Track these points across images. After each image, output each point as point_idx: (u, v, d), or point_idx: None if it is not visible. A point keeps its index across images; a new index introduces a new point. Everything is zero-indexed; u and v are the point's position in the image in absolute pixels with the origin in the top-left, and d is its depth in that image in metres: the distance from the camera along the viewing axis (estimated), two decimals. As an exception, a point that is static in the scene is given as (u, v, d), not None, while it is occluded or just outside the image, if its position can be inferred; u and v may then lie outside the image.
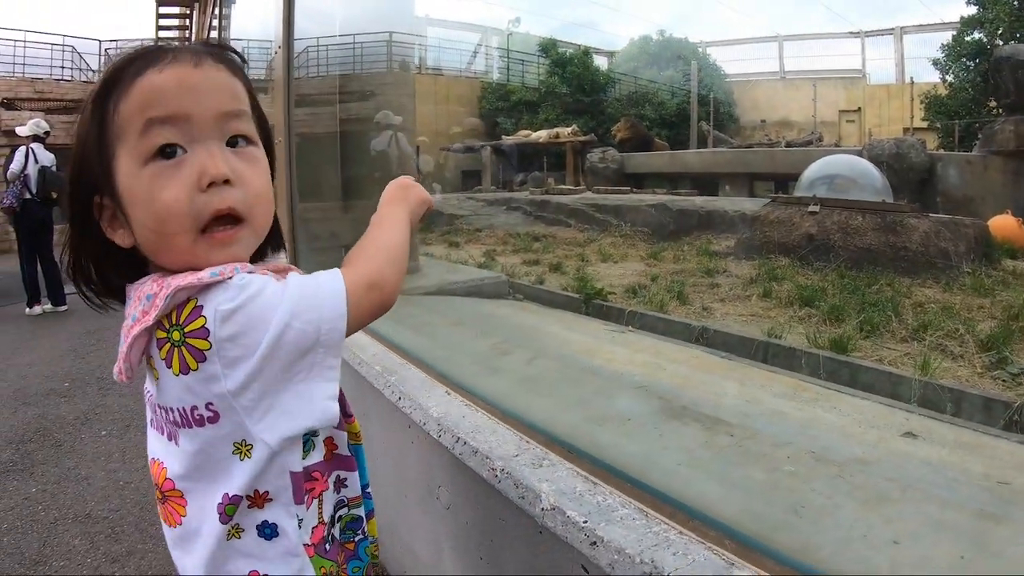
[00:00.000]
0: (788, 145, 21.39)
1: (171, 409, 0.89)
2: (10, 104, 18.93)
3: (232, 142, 0.94)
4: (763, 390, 2.96)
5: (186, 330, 0.84)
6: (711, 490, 1.67)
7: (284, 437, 0.89)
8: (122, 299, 0.99)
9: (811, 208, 8.24)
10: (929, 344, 4.66)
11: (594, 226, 11.37)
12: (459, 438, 1.70)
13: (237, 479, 0.89)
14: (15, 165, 7.75)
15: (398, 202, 1.22)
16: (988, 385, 4.03)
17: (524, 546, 1.47)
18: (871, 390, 3.70)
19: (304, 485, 0.96)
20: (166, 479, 0.95)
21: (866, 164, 9.24)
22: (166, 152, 0.89)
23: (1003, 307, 5.66)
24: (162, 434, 0.96)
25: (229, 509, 0.90)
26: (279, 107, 3.44)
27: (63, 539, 2.81)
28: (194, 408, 0.87)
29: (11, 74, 20.81)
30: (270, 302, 0.86)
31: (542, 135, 22.81)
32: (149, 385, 0.95)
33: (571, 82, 28.87)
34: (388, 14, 5.41)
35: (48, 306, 8.21)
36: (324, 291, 0.92)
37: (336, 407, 0.93)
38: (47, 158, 8.02)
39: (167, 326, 0.85)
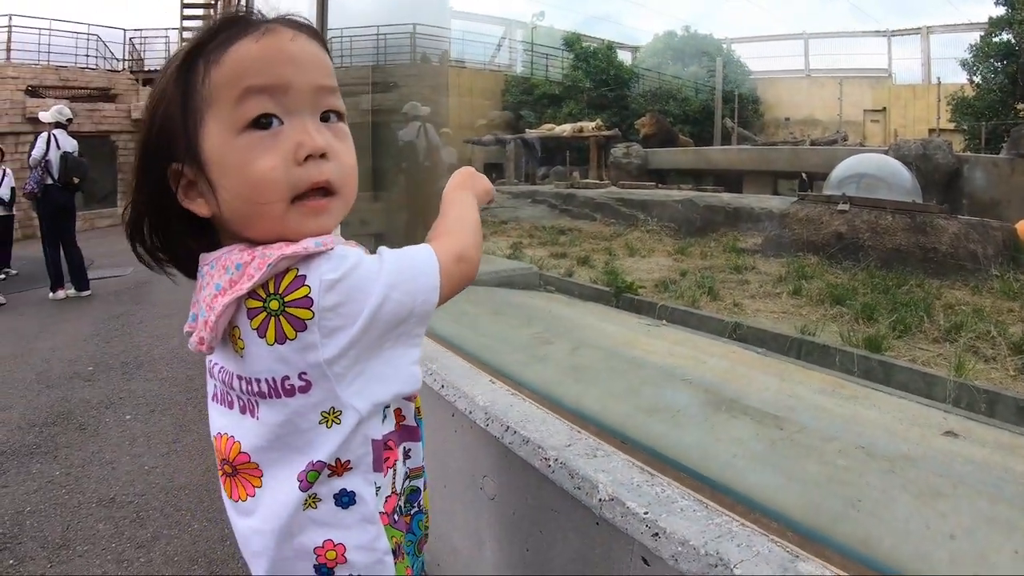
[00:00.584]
0: (813, 144, 21.27)
1: (257, 380, 0.88)
2: (35, 92, 19.09)
3: (325, 116, 0.95)
4: (803, 386, 3.01)
5: (286, 299, 0.83)
6: (768, 482, 1.69)
7: (375, 403, 0.92)
8: (182, 267, 1.02)
9: (840, 206, 8.23)
10: (962, 346, 4.67)
11: (620, 220, 11.38)
12: (508, 427, 1.68)
13: (323, 448, 0.90)
14: (37, 151, 7.80)
15: (467, 187, 1.26)
16: (1021, 388, 4.04)
17: (578, 537, 1.45)
18: (907, 389, 3.74)
19: (383, 454, 0.98)
20: (240, 453, 0.94)
21: (896, 164, 9.20)
22: (261, 123, 0.88)
23: (1033, 311, 5.65)
24: (231, 408, 0.96)
25: (311, 476, 0.90)
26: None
27: (87, 523, 2.79)
28: (285, 378, 0.87)
29: (36, 62, 20.95)
30: (369, 274, 0.87)
31: (566, 129, 22.79)
32: (220, 358, 0.95)
33: (595, 76, 28.78)
34: (419, 5, 5.44)
35: (72, 291, 8.24)
36: (419, 264, 0.94)
37: (420, 373, 0.95)
38: (70, 144, 8.07)
39: (263, 296, 0.84)
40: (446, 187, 1.26)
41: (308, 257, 0.85)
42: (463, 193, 1.23)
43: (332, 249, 0.87)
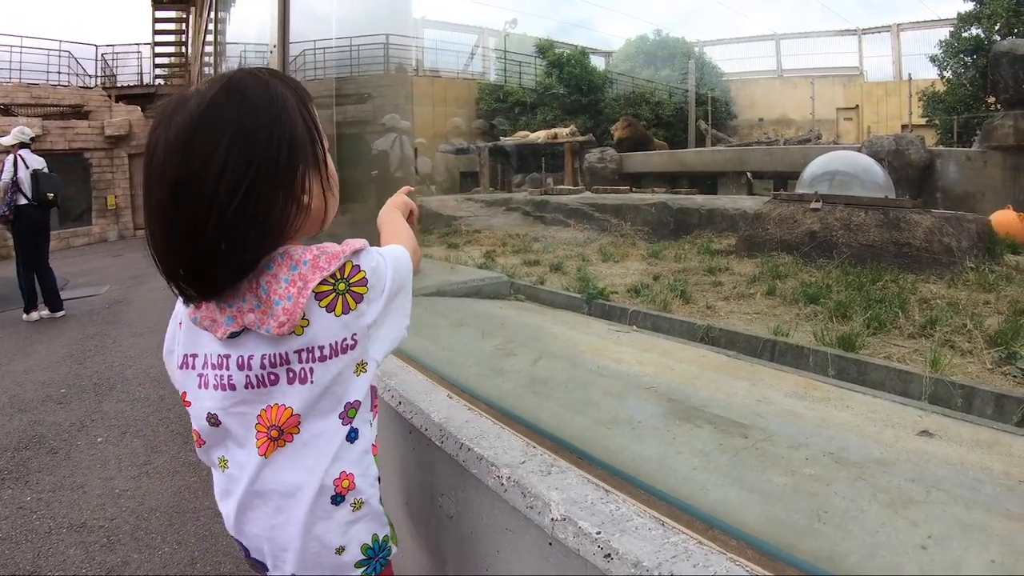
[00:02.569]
0: (787, 143, 21.34)
1: (320, 347, 1.18)
2: (6, 110, 18.91)
3: None
4: (773, 389, 2.91)
5: (351, 281, 1.19)
6: (729, 496, 1.61)
7: (384, 353, 1.30)
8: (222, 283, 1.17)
9: (813, 205, 8.19)
10: (937, 340, 4.60)
11: (594, 226, 11.31)
12: (462, 444, 1.65)
13: (356, 391, 1.25)
14: (5, 174, 7.65)
15: (397, 206, 1.73)
16: (999, 381, 3.96)
17: (533, 558, 1.41)
18: (881, 388, 3.65)
19: (375, 399, 1.34)
20: (291, 416, 1.20)
21: (868, 160, 9.18)
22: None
23: (1009, 302, 5.59)
24: (276, 383, 1.19)
25: (351, 412, 1.25)
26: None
27: (58, 549, 2.75)
28: (343, 340, 1.20)
29: (7, 80, 20.82)
30: (384, 262, 1.27)
31: (540, 136, 22.76)
32: (265, 347, 1.18)
33: (568, 82, 28.81)
34: (385, 16, 5.37)
35: (45, 312, 8.14)
36: (400, 256, 1.34)
37: (406, 331, 1.33)
38: (37, 162, 7.94)
39: (332, 281, 1.17)
40: (381, 211, 1.69)
41: (356, 252, 1.22)
42: (394, 211, 1.69)
43: (366, 248, 1.24)
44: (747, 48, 34.71)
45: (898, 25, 29.15)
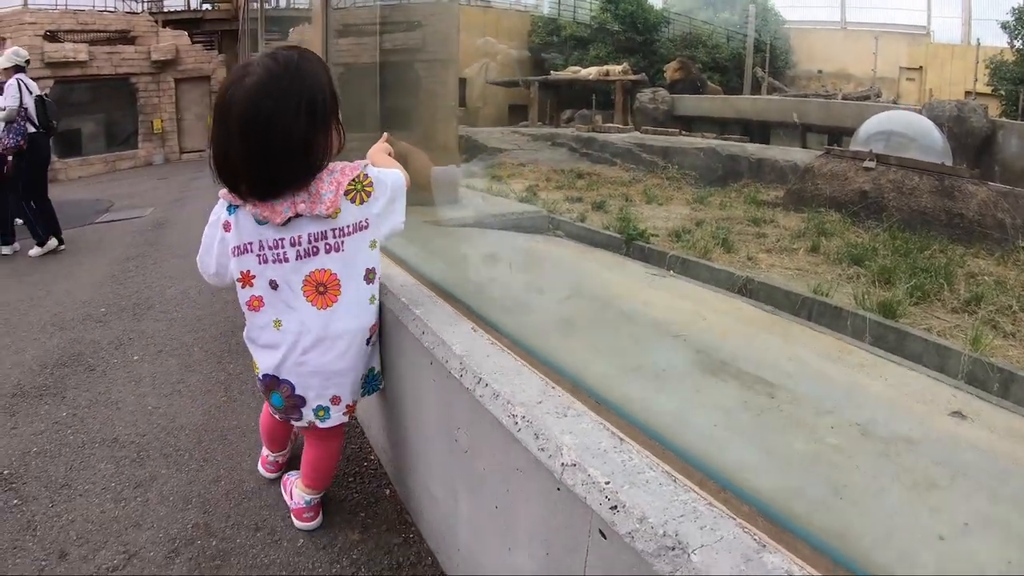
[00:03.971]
0: (845, 98, 20.71)
1: (348, 226, 1.86)
2: (53, 36, 18.86)
3: None
4: (807, 349, 2.85)
5: (364, 183, 1.87)
6: (747, 458, 1.55)
7: (386, 235, 1.96)
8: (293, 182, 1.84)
9: (867, 163, 7.95)
10: (981, 318, 4.48)
11: (640, 167, 11.09)
12: (480, 379, 1.60)
13: (372, 260, 1.95)
14: (11, 100, 7.02)
15: (383, 154, 2.22)
16: (1039, 368, 3.87)
17: (541, 501, 1.38)
18: (918, 360, 3.56)
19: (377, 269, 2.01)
20: (331, 275, 1.89)
21: (927, 123, 8.87)
22: None
23: (1059, 287, 5.42)
24: (317, 254, 1.86)
25: (370, 275, 1.96)
26: (318, 36, 3.26)
27: (89, 463, 2.79)
28: (360, 222, 1.88)
29: (53, 6, 20.46)
30: (384, 177, 1.94)
31: (591, 72, 22.31)
32: (313, 226, 1.84)
33: (623, 19, 27.98)
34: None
35: (53, 243, 7.50)
36: (396, 174, 1.99)
37: (402, 223, 1.98)
38: (35, 87, 7.42)
39: (353, 183, 1.85)
40: (374, 156, 2.18)
41: (366, 167, 1.91)
42: (381, 152, 2.22)
43: (371, 165, 1.95)
44: (810, -4, 33.43)
45: (971, -15, 27.81)
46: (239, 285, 1.93)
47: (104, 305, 5.10)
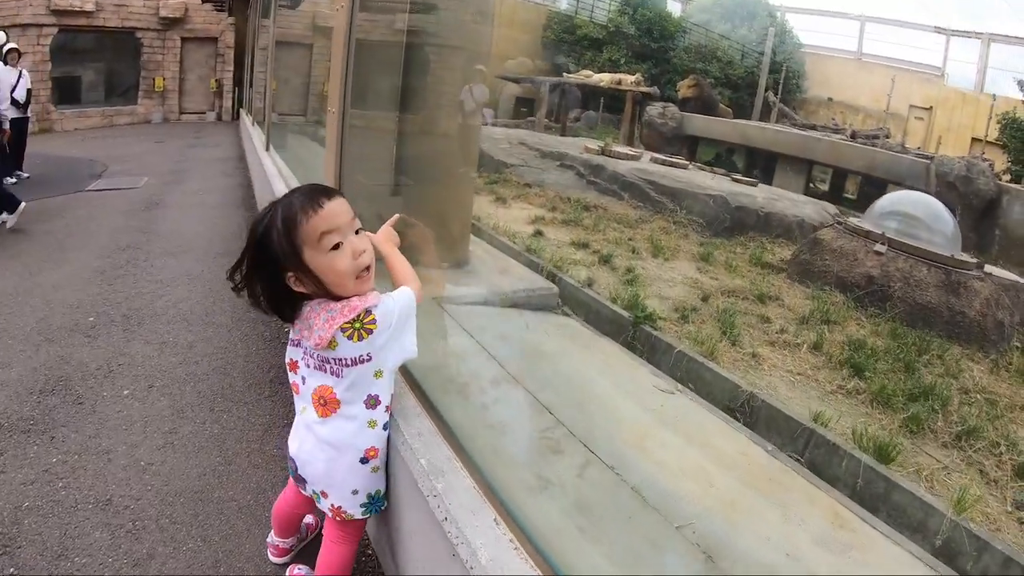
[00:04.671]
0: (853, 135, 20.78)
1: (345, 359, 1.96)
2: None
3: (356, 232, 1.99)
4: (803, 528, 2.94)
5: (364, 322, 1.93)
6: None
7: (395, 363, 2.08)
8: (282, 314, 2.05)
9: (878, 247, 7.96)
10: (968, 458, 4.62)
11: (648, 205, 11.00)
12: None
13: (375, 388, 2.05)
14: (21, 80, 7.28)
15: (389, 245, 2.27)
16: (1013, 529, 4.00)
17: None
18: (904, 516, 3.81)
19: (390, 397, 2.14)
20: (331, 393, 2.02)
21: (940, 208, 8.86)
22: (336, 246, 1.91)
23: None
24: (325, 372, 2.01)
25: (371, 402, 2.05)
26: (344, 10, 3.11)
27: (84, 529, 2.72)
28: (360, 356, 1.96)
29: None
30: (392, 308, 2.00)
31: (604, 79, 22.23)
32: (319, 350, 1.97)
33: (640, 24, 27.90)
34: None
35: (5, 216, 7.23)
36: (407, 299, 2.07)
37: (414, 348, 2.08)
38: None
39: (351, 322, 1.91)
40: (382, 247, 2.22)
41: (373, 305, 1.96)
42: (392, 250, 2.26)
43: (380, 300, 1.99)
44: (829, 23, 33.47)
45: (990, 35, 27.85)
46: (288, 369, 2.17)
47: (93, 312, 4.98)
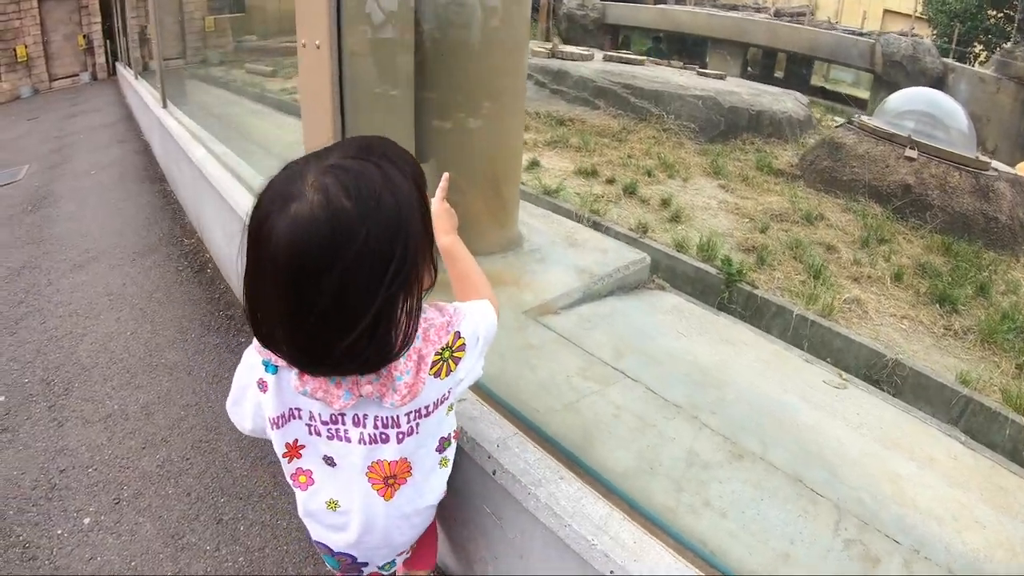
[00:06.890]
0: (777, 14, 20.31)
1: (427, 406, 1.34)
2: None
3: None
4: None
5: (454, 348, 1.30)
6: None
7: (463, 392, 1.48)
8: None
9: (908, 153, 7.58)
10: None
11: (629, 112, 10.22)
12: None
13: (449, 426, 1.46)
14: None
15: (451, 231, 1.60)
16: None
17: None
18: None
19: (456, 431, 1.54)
20: (403, 463, 1.39)
21: (954, 105, 8.53)
22: None
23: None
24: (387, 442, 1.34)
25: (446, 444, 1.48)
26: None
27: None
28: (443, 396, 1.36)
29: None
30: (477, 325, 1.38)
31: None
32: (378, 411, 1.30)
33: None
34: None
35: None
36: (488, 314, 1.44)
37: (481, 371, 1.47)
38: None
39: (441, 351, 1.29)
40: (439, 239, 1.52)
41: (459, 322, 1.33)
42: (454, 239, 1.60)
43: (465, 315, 1.35)
44: None
45: None
46: (283, 459, 1.40)
47: (2, 387, 3.53)
